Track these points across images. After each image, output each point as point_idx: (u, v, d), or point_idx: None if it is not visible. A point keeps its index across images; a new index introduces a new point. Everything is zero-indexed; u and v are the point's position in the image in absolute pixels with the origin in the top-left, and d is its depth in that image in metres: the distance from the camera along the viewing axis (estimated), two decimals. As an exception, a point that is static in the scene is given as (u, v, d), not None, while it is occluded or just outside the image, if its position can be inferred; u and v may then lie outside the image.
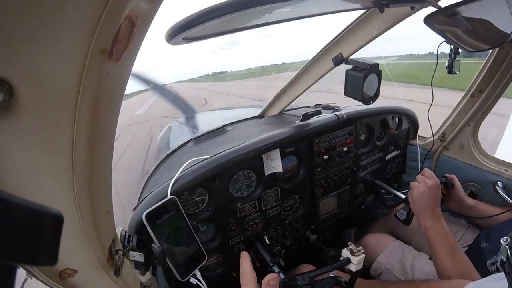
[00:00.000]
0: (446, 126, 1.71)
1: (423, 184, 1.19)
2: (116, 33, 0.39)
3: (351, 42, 1.23)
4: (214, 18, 0.65)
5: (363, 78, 1.01)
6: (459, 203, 1.46)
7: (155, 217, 0.85)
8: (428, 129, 1.74)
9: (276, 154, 1.31)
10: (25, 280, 0.54)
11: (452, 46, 1.23)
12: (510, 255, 0.75)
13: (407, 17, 1.10)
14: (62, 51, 0.35)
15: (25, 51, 0.32)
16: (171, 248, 0.87)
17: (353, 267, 1.04)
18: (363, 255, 1.06)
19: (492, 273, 1.09)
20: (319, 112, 1.48)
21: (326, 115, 1.48)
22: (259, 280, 1.27)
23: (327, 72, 1.42)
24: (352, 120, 1.52)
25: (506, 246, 0.78)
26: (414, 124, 1.90)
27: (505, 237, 0.81)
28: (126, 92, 0.52)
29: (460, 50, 1.23)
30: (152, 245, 0.84)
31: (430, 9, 1.05)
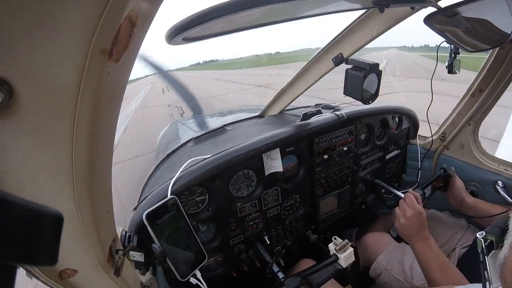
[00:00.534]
0: (446, 125, 1.71)
1: (403, 214, 1.22)
2: (116, 33, 0.39)
3: (351, 42, 1.23)
4: (214, 18, 0.65)
5: (363, 77, 1.01)
6: (460, 202, 1.46)
7: (156, 217, 0.85)
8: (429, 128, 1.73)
9: (276, 153, 1.31)
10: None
11: (452, 46, 1.23)
12: (484, 247, 0.87)
13: (407, 17, 1.10)
14: (62, 51, 0.35)
15: (25, 51, 0.32)
16: (171, 248, 0.87)
17: (342, 263, 1.04)
18: (351, 249, 1.06)
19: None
20: (319, 112, 1.48)
21: (326, 115, 1.48)
22: (259, 280, 1.28)
23: (327, 72, 1.42)
24: (352, 119, 1.52)
25: (481, 239, 0.88)
26: (414, 123, 1.90)
27: (481, 231, 0.89)
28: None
29: (460, 49, 1.23)
30: (153, 245, 0.84)
31: (430, 9, 1.05)
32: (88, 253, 0.57)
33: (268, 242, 1.45)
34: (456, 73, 1.29)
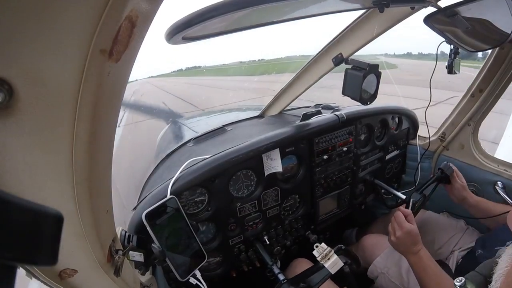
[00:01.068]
0: (446, 126, 1.71)
1: (393, 234, 1.24)
2: (116, 33, 0.39)
3: (351, 42, 1.23)
4: (214, 17, 0.65)
5: (362, 77, 1.01)
6: (461, 201, 1.46)
7: (155, 217, 0.85)
8: (430, 129, 1.73)
9: (276, 154, 1.31)
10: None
11: (452, 46, 1.23)
12: None
13: (407, 17, 1.10)
14: (62, 51, 0.35)
15: (25, 51, 0.32)
16: (171, 248, 0.87)
17: (331, 269, 1.04)
18: (335, 256, 1.05)
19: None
20: (319, 112, 1.48)
21: (326, 115, 1.48)
22: (258, 280, 1.27)
23: (327, 72, 1.42)
24: (352, 120, 1.52)
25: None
26: (414, 124, 1.90)
27: (459, 278, 0.83)
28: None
29: (459, 50, 1.23)
30: (152, 245, 0.84)
31: (430, 9, 1.05)
32: (88, 253, 0.57)
33: (268, 242, 1.45)
34: (456, 73, 1.29)
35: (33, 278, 0.53)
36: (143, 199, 1.09)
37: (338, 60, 1.18)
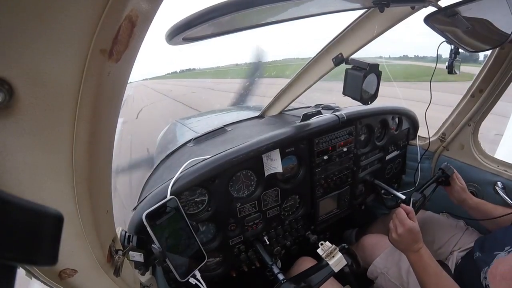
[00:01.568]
0: (446, 126, 1.71)
1: (394, 230, 1.22)
2: (116, 33, 0.39)
3: (351, 42, 1.23)
4: (214, 18, 0.65)
5: (362, 77, 1.01)
6: (461, 203, 1.46)
7: (155, 217, 0.85)
8: (430, 129, 1.73)
9: (276, 154, 1.31)
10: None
11: (452, 46, 1.23)
12: None
13: (407, 16, 1.10)
14: (62, 51, 0.35)
15: (25, 51, 0.32)
16: (171, 248, 0.87)
17: (334, 268, 1.04)
18: (340, 254, 1.06)
19: (486, 287, 1.08)
20: (319, 113, 1.48)
21: (326, 115, 1.48)
22: (258, 280, 1.27)
23: (327, 72, 1.42)
24: (352, 120, 1.52)
25: None
26: (414, 124, 1.90)
27: None
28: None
29: (460, 50, 1.23)
30: (152, 245, 0.84)
31: (430, 9, 1.05)
32: (88, 253, 0.57)
33: (268, 243, 1.45)
34: (456, 73, 1.29)
35: (33, 278, 0.53)
36: (143, 199, 1.09)
37: (338, 60, 1.18)
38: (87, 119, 0.42)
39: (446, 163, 1.51)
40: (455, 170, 1.47)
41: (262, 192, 1.35)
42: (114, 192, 0.63)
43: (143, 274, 0.95)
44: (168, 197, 0.96)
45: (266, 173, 1.32)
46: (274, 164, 1.31)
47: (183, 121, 2.75)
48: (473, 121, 1.59)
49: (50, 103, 0.37)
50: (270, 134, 1.31)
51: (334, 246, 1.08)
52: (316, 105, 1.97)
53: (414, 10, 1.05)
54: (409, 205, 1.36)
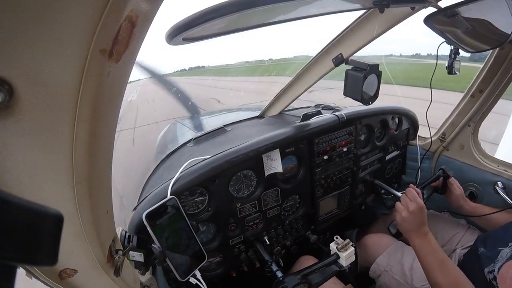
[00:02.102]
0: (446, 126, 1.71)
1: (405, 208, 1.21)
2: (116, 33, 0.39)
3: (351, 42, 1.23)
4: (214, 18, 0.65)
5: (363, 78, 1.01)
6: (458, 208, 1.48)
7: (155, 217, 0.85)
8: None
9: (276, 154, 1.31)
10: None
11: (452, 47, 1.23)
12: None
13: (407, 17, 1.10)
14: (62, 51, 0.35)
15: (25, 51, 0.32)
16: (171, 248, 0.87)
17: (343, 262, 1.05)
18: (352, 248, 1.07)
19: (490, 282, 1.08)
20: (319, 113, 1.48)
21: (326, 116, 1.48)
22: (258, 280, 1.27)
23: (327, 73, 1.42)
24: (352, 120, 1.52)
25: None
26: (414, 124, 1.90)
27: None
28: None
29: (460, 50, 1.23)
30: (152, 245, 0.84)
31: (430, 10, 1.05)
32: (88, 253, 0.57)
33: (268, 243, 1.45)
34: (456, 73, 1.29)
35: (33, 278, 0.53)
36: (143, 199, 1.09)
37: (338, 61, 1.18)
38: (87, 119, 0.42)
39: (444, 166, 1.52)
40: (452, 177, 1.49)
41: (262, 192, 1.35)
42: (114, 192, 0.63)
43: (143, 274, 0.95)
44: (168, 197, 0.96)
45: (266, 173, 1.32)
46: (274, 164, 1.31)
47: (183, 121, 2.75)
48: (473, 121, 1.59)
49: (50, 103, 0.37)
50: (270, 134, 1.31)
51: (348, 240, 1.10)
52: (316, 105, 1.97)
53: (414, 10, 1.05)
54: None
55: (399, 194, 1.60)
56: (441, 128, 1.75)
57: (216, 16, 0.65)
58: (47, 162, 0.41)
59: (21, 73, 0.33)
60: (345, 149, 1.54)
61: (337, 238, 1.12)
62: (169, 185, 1.07)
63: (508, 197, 1.45)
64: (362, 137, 1.69)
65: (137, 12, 0.40)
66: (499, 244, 1.16)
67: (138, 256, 0.86)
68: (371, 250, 1.55)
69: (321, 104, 1.92)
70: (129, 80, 0.50)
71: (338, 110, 1.61)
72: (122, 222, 1.09)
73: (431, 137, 1.77)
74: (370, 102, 1.08)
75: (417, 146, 1.88)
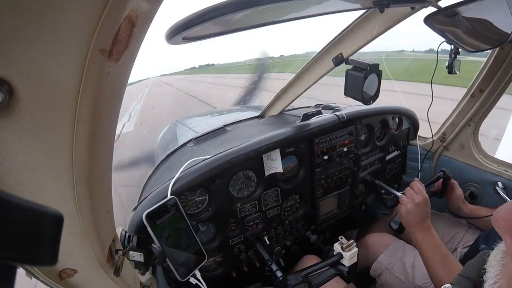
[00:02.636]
0: (446, 126, 1.71)
1: (411, 200, 1.21)
2: (116, 33, 0.39)
3: (351, 42, 1.23)
4: (213, 17, 0.65)
5: (363, 78, 1.01)
6: (457, 210, 1.48)
7: (155, 217, 0.85)
8: (429, 129, 1.73)
9: (276, 154, 1.31)
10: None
11: (452, 46, 1.23)
12: None
13: (407, 17, 1.10)
14: (62, 51, 0.35)
15: (25, 51, 0.32)
16: (171, 248, 0.87)
17: (346, 262, 1.05)
18: (356, 249, 1.07)
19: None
20: (319, 112, 1.48)
21: (326, 115, 1.48)
22: (258, 280, 1.27)
23: (327, 72, 1.42)
24: (352, 120, 1.52)
25: None
26: (414, 124, 1.90)
27: (447, 285, 0.77)
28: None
29: (460, 49, 1.23)
30: (152, 245, 0.84)
31: (431, 9, 1.05)
32: (88, 253, 0.57)
33: (268, 243, 1.45)
34: (456, 73, 1.29)
35: (33, 278, 0.53)
36: (144, 199, 1.09)
37: (338, 60, 1.18)
38: (87, 119, 0.42)
39: (445, 168, 1.53)
40: (452, 179, 1.50)
41: (262, 192, 1.35)
42: (114, 192, 0.63)
43: (143, 274, 0.95)
44: (169, 197, 0.96)
45: (267, 173, 1.32)
46: (275, 164, 1.31)
47: (183, 121, 2.75)
48: (473, 121, 1.59)
49: (50, 103, 0.37)
50: (270, 134, 1.31)
51: (352, 240, 1.11)
52: (316, 105, 1.97)
53: (414, 10, 1.05)
54: None
55: (399, 194, 1.60)
56: (441, 128, 1.75)
57: (216, 15, 0.65)
58: (47, 162, 0.41)
59: (21, 73, 0.33)
60: (345, 149, 1.54)
61: (341, 238, 1.12)
62: (169, 185, 1.07)
63: (508, 197, 1.45)
64: (363, 137, 1.69)
65: (137, 12, 0.40)
66: (500, 239, 1.16)
67: (138, 256, 0.86)
68: (372, 249, 1.55)
69: (321, 104, 1.92)
70: (129, 80, 0.50)
71: (338, 110, 1.61)
72: (122, 222, 1.09)
73: (432, 137, 1.77)
74: (371, 102, 1.08)
75: (417, 146, 1.88)
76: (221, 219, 1.28)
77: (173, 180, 1.08)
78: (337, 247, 1.11)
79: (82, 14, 0.34)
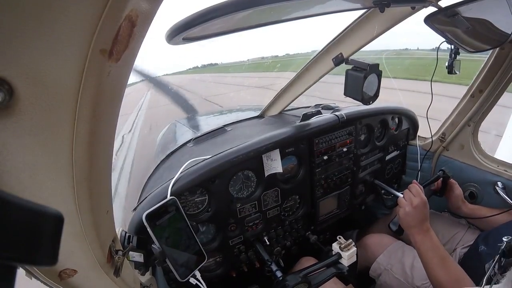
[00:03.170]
0: (446, 126, 1.71)
1: (409, 203, 1.21)
2: (116, 33, 0.39)
3: (352, 42, 1.23)
4: (214, 18, 0.65)
5: (363, 78, 1.01)
6: (457, 210, 1.48)
7: (155, 218, 0.85)
8: (429, 129, 1.73)
9: (276, 154, 1.31)
10: None
11: (452, 46, 1.23)
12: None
13: (407, 17, 1.10)
14: (62, 51, 0.35)
15: (25, 51, 0.32)
16: (171, 249, 0.87)
17: (344, 262, 1.06)
18: (354, 249, 1.08)
19: (490, 278, 1.08)
20: (319, 112, 1.48)
21: (326, 115, 1.48)
22: (257, 280, 1.28)
23: (327, 72, 1.42)
24: (352, 120, 1.52)
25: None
26: (414, 124, 1.90)
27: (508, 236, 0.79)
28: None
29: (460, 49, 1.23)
30: (152, 245, 0.84)
31: (431, 9, 1.05)
32: (88, 253, 0.57)
33: (268, 243, 1.45)
34: (456, 73, 1.29)
35: (33, 278, 0.53)
36: (143, 199, 1.09)
37: (338, 60, 1.18)
38: (87, 119, 0.42)
39: (444, 167, 1.53)
40: (452, 178, 1.50)
41: (262, 193, 1.35)
42: (114, 192, 0.63)
43: (143, 274, 0.95)
44: (168, 197, 0.96)
45: (266, 173, 1.32)
46: (274, 164, 1.31)
47: (183, 121, 2.74)
48: (473, 121, 1.59)
49: (50, 103, 0.37)
50: (270, 134, 1.31)
51: (351, 240, 1.12)
52: (316, 105, 1.97)
53: (414, 10, 1.05)
54: None
55: (399, 194, 1.60)
56: (441, 128, 1.75)
57: (216, 16, 0.65)
58: (47, 162, 0.41)
59: (21, 73, 0.33)
60: (345, 149, 1.54)
61: (340, 238, 1.12)
62: (169, 185, 1.07)
63: (508, 197, 1.45)
64: (362, 137, 1.69)
65: (137, 12, 0.40)
66: (500, 240, 1.16)
67: (138, 257, 0.86)
68: (371, 250, 1.55)
69: (321, 104, 1.92)
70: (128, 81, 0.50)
71: (338, 110, 1.61)
72: (122, 222, 1.09)
73: (431, 137, 1.77)
74: (371, 102, 1.08)
75: (417, 146, 1.88)
76: (221, 219, 1.28)
77: (173, 181, 1.08)
78: (335, 247, 1.11)
79: (82, 14, 0.34)
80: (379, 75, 1.05)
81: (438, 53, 1.29)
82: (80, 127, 0.41)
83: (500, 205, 1.44)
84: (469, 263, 1.27)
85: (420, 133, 1.95)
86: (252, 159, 1.24)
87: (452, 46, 1.23)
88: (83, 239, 0.54)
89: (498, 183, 1.52)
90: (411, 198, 1.21)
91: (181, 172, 1.12)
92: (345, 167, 1.61)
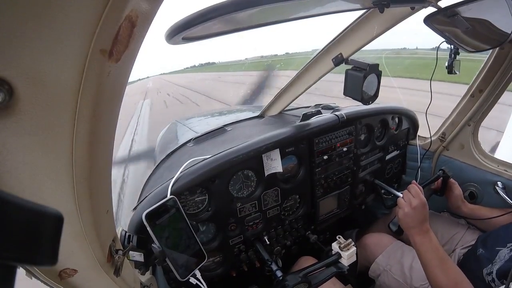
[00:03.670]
0: (446, 126, 1.71)
1: (408, 204, 1.21)
2: (116, 33, 0.39)
3: (351, 42, 1.23)
4: (213, 17, 0.65)
5: (363, 78, 1.01)
6: (456, 210, 1.48)
7: (155, 217, 0.85)
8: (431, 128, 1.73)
9: (276, 154, 1.31)
10: None
11: (452, 46, 1.23)
12: None
13: (407, 17, 1.10)
14: (62, 51, 0.35)
15: (25, 51, 0.32)
16: (171, 248, 0.87)
17: (344, 262, 1.06)
18: (354, 248, 1.08)
19: (488, 283, 1.09)
20: (319, 112, 1.48)
21: (326, 115, 1.48)
22: (257, 280, 1.28)
23: (327, 72, 1.42)
24: (352, 120, 1.52)
25: None
26: (414, 124, 1.90)
27: None
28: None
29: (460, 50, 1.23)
30: (152, 245, 0.84)
31: (430, 9, 1.05)
32: (88, 253, 0.57)
33: (268, 242, 1.45)
34: (456, 73, 1.29)
35: (33, 278, 0.53)
36: (143, 199, 1.09)
37: (338, 60, 1.18)
38: (87, 119, 0.42)
39: (444, 167, 1.52)
40: (452, 178, 1.50)
41: (262, 192, 1.35)
42: (114, 192, 0.63)
43: (143, 274, 0.95)
44: (168, 197, 0.96)
45: (266, 173, 1.32)
46: (274, 164, 1.31)
47: (183, 121, 2.74)
48: (473, 121, 1.59)
49: (50, 103, 0.37)
50: (270, 134, 1.31)
51: (350, 240, 1.12)
52: (316, 105, 1.97)
53: (414, 10, 1.05)
54: None
55: (399, 194, 1.61)
56: (441, 127, 1.75)
57: (216, 15, 0.65)
58: (47, 162, 0.41)
59: (21, 73, 0.33)
60: (345, 149, 1.54)
61: (339, 237, 1.12)
62: (169, 185, 1.07)
63: (508, 197, 1.45)
64: (362, 137, 1.69)
65: (137, 12, 0.40)
66: (498, 244, 1.16)
67: (138, 256, 0.86)
68: (370, 250, 1.55)
69: (321, 104, 1.92)
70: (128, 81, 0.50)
71: (338, 110, 1.61)
72: (122, 222, 1.09)
73: (431, 137, 1.77)
74: (370, 102, 1.08)
75: (417, 146, 1.88)
76: (221, 219, 1.28)
77: (173, 180, 1.08)
78: (335, 246, 1.11)
79: (82, 14, 0.34)
80: (379, 75, 1.05)
81: (438, 53, 1.29)
82: (80, 127, 0.41)
83: (500, 205, 1.44)
84: (468, 265, 1.27)
85: (420, 132, 1.95)
86: (252, 159, 1.24)
87: (452, 46, 1.23)
88: (83, 239, 0.54)
89: (498, 183, 1.52)
90: (410, 199, 1.21)
91: (181, 172, 1.12)
92: (345, 167, 1.61)
